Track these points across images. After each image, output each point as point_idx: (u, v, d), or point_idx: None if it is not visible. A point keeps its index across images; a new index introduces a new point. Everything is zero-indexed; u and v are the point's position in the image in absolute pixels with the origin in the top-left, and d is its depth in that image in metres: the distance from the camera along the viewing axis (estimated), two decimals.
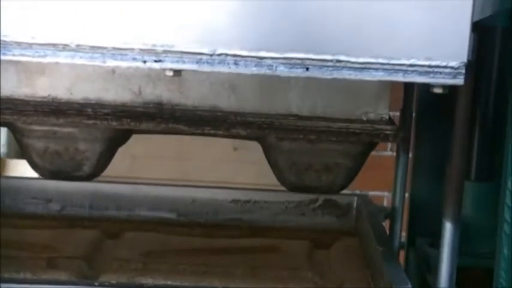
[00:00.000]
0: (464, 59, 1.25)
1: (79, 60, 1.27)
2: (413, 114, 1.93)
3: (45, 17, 1.26)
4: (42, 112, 1.62)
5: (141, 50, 1.27)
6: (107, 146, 1.67)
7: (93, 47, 1.27)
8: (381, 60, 1.26)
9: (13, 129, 1.68)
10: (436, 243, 1.53)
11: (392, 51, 1.25)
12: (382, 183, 2.55)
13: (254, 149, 1.82)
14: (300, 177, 1.71)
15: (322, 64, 1.26)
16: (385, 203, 2.59)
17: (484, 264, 1.87)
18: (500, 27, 1.82)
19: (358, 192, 2.20)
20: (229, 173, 2.70)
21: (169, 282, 1.63)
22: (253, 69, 1.27)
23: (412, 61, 1.26)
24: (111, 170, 1.78)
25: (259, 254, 1.82)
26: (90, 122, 1.61)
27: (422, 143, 2.07)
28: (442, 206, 1.41)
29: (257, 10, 1.25)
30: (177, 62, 1.27)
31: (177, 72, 1.29)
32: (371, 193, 2.45)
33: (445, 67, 1.26)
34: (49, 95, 1.66)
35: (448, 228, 1.40)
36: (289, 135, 1.64)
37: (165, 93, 1.65)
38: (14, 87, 1.65)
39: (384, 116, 1.67)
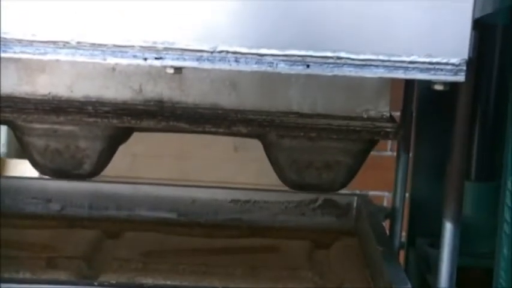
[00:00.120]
0: (465, 55, 1.26)
1: (79, 57, 1.27)
2: (414, 114, 1.93)
3: (45, 14, 1.26)
4: (43, 110, 1.62)
5: (142, 47, 1.27)
6: (107, 144, 1.67)
7: (93, 44, 1.27)
8: (381, 57, 1.26)
9: (13, 128, 1.68)
10: (436, 243, 1.53)
11: (393, 48, 1.26)
12: (382, 183, 2.55)
13: (254, 149, 1.82)
14: (300, 175, 1.71)
15: (323, 61, 1.26)
16: (385, 203, 2.59)
17: (484, 264, 1.87)
18: (500, 25, 1.82)
19: (358, 192, 2.20)
20: (229, 173, 2.70)
21: (169, 282, 1.62)
22: (254, 67, 1.27)
23: (412, 58, 1.26)
24: (111, 169, 1.78)
25: (259, 254, 1.82)
26: (91, 120, 1.61)
27: (423, 142, 2.07)
28: (442, 206, 1.41)
29: (258, 7, 1.25)
30: (178, 59, 1.27)
31: (178, 70, 1.30)
32: (371, 193, 2.45)
33: (446, 64, 1.26)
34: (49, 93, 1.66)
35: (448, 228, 1.40)
36: (290, 133, 1.64)
37: (165, 91, 1.65)
38: (15, 85, 1.65)
39: (384, 113, 1.67)
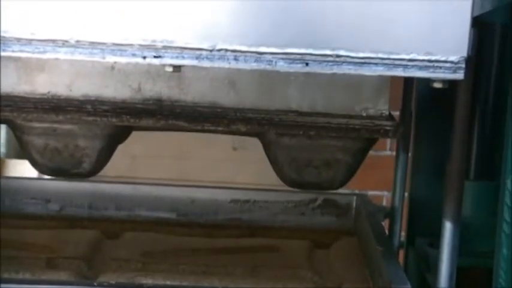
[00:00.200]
0: (465, 53, 1.26)
1: (78, 56, 1.27)
2: (413, 114, 1.93)
3: (44, 13, 1.26)
4: (42, 109, 1.62)
5: (141, 45, 1.27)
6: (106, 143, 1.67)
7: (92, 43, 1.27)
8: (380, 55, 1.26)
9: (13, 127, 1.68)
10: (436, 243, 1.53)
11: (392, 46, 1.26)
12: (381, 183, 2.55)
13: (254, 149, 1.82)
14: (299, 173, 1.70)
15: (322, 59, 1.26)
16: (385, 203, 2.59)
17: (484, 264, 1.87)
18: (499, 23, 1.83)
19: (357, 191, 2.20)
20: (229, 173, 2.70)
21: (169, 282, 1.62)
22: (253, 65, 1.27)
23: (412, 56, 1.26)
24: (111, 169, 1.78)
25: (259, 253, 1.82)
26: (90, 118, 1.61)
27: (422, 142, 2.07)
28: (441, 206, 1.41)
29: (257, 6, 1.25)
30: (177, 57, 1.27)
31: (177, 68, 1.30)
32: (370, 193, 2.45)
33: (445, 62, 1.26)
34: (49, 92, 1.66)
35: (447, 227, 1.40)
36: (289, 131, 1.64)
37: (164, 90, 1.65)
38: (14, 84, 1.65)
39: (383, 111, 1.66)
